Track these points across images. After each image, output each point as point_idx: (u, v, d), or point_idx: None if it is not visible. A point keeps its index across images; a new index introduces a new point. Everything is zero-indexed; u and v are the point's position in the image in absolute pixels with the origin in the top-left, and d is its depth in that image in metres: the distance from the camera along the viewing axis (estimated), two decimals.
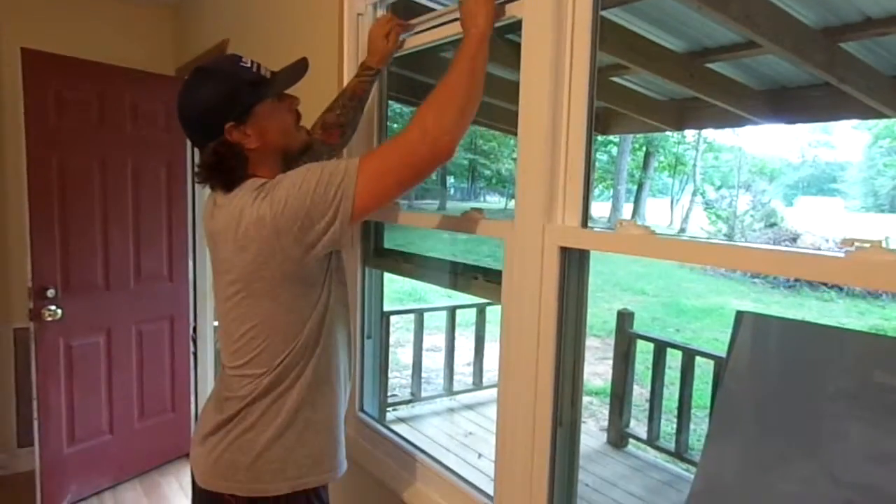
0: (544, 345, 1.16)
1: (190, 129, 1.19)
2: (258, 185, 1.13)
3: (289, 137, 1.22)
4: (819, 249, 0.81)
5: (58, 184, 2.67)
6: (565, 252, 1.13)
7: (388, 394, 4.51)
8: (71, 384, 2.76)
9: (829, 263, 0.78)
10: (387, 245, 1.83)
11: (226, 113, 1.14)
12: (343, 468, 1.29)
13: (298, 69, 1.24)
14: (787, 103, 2.97)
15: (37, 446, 2.65)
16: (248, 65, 1.18)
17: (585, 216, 1.13)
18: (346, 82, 1.74)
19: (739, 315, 3.50)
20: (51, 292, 2.64)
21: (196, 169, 1.21)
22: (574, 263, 1.15)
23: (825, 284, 9.52)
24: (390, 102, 1.86)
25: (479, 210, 1.35)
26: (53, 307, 2.64)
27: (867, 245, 0.73)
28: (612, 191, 16.22)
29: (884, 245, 0.73)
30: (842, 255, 0.76)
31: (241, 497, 1.18)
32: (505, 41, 1.45)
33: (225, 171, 1.18)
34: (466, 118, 1.11)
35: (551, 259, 1.14)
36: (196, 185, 3.24)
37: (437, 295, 8.62)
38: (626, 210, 16.52)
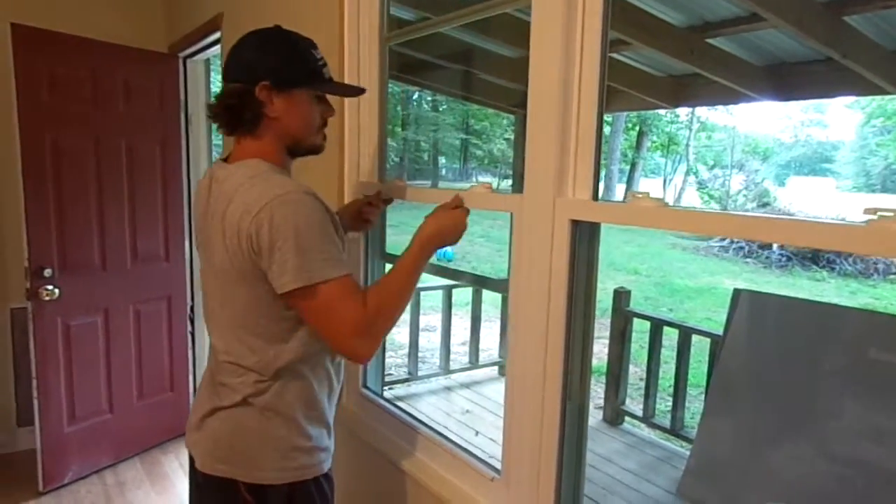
0: (554, 318, 1.16)
1: (233, 61, 1.19)
2: (257, 199, 1.08)
3: (305, 132, 1.22)
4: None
5: (52, 163, 2.63)
6: (576, 225, 1.13)
7: (384, 373, 4.52)
8: (70, 363, 2.75)
9: (850, 233, 0.77)
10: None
11: (269, 72, 1.15)
12: (331, 454, 1.30)
13: (352, 89, 1.34)
14: (787, 79, 2.96)
15: (37, 425, 2.65)
16: (318, 57, 1.21)
17: (596, 189, 1.12)
18: (347, 56, 1.72)
19: (737, 293, 3.52)
20: (48, 272, 2.61)
21: (210, 102, 1.22)
22: (584, 237, 1.15)
23: (816, 264, 9.61)
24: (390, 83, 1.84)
25: (487, 184, 1.34)
26: (51, 287, 2.62)
27: (890, 214, 0.73)
28: (604, 171, 16.24)
29: None
30: (863, 224, 0.75)
31: (245, 483, 1.17)
32: (504, 15, 1.43)
33: (234, 116, 1.18)
34: (391, 326, 1.18)
35: (562, 232, 1.13)
36: (191, 165, 3.21)
37: (429, 276, 8.57)
38: (619, 190, 16.53)
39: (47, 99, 2.60)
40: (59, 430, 2.73)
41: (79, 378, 2.79)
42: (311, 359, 1.20)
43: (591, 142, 1.10)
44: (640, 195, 1.02)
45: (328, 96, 1.26)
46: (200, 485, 1.24)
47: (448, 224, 1.24)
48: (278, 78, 1.15)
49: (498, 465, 1.35)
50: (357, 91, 1.34)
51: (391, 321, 1.17)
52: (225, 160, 1.23)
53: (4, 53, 2.48)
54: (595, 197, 1.12)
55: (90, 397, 2.85)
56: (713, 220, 0.96)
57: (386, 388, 4.27)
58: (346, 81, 1.68)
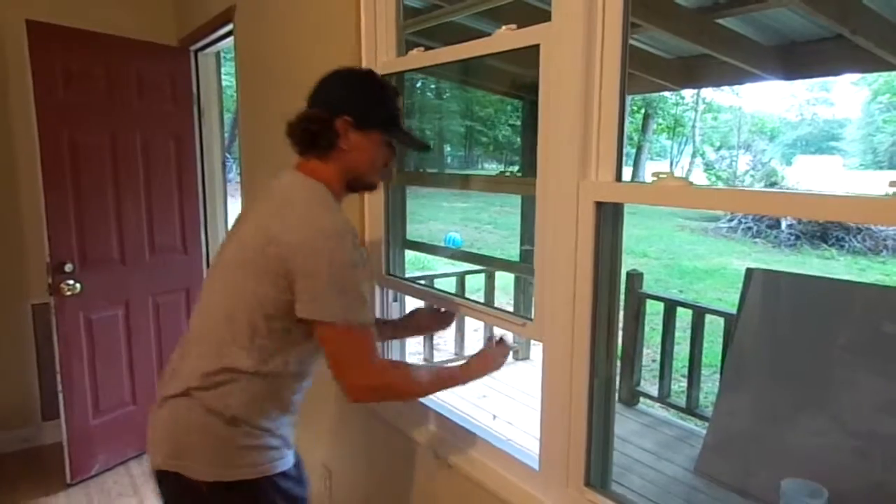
0: (581, 300, 1.18)
1: (322, 90, 1.29)
2: (305, 223, 1.17)
3: (369, 170, 1.31)
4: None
5: (70, 158, 2.66)
6: (600, 207, 1.15)
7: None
8: (93, 357, 2.80)
9: (874, 205, 0.79)
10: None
11: (353, 109, 1.25)
12: (290, 461, 1.31)
13: (420, 143, 1.42)
14: (796, 58, 2.96)
15: (63, 418, 2.70)
16: (398, 107, 1.32)
17: (619, 171, 1.14)
18: (364, 48, 1.73)
19: (749, 271, 3.53)
20: (68, 267, 2.65)
21: (291, 119, 1.28)
22: (608, 218, 1.17)
23: (825, 242, 9.58)
24: None
25: (508, 173, 1.37)
26: (72, 282, 2.66)
27: None
28: None
29: None
30: (888, 196, 0.77)
31: (190, 478, 1.21)
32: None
33: (310, 139, 1.27)
34: (388, 400, 1.36)
35: (586, 214, 1.15)
36: (204, 158, 3.23)
37: (440, 263, 8.64)
38: (626, 173, 16.45)
39: (63, 95, 2.63)
40: (84, 422, 2.79)
41: (102, 371, 2.84)
42: (278, 379, 1.24)
43: (613, 123, 1.12)
44: (665, 175, 1.04)
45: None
46: (160, 481, 1.28)
47: (491, 368, 1.39)
48: (360, 116, 1.25)
49: (520, 448, 1.38)
50: (423, 146, 1.45)
51: (391, 398, 1.36)
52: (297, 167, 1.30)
53: (20, 50, 2.50)
54: (618, 178, 1.14)
55: (114, 390, 2.90)
56: (735, 196, 0.98)
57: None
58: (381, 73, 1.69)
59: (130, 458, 3.00)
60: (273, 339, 1.20)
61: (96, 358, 2.81)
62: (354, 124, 1.24)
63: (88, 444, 2.81)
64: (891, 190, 0.78)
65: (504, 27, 1.31)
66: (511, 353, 1.42)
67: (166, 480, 1.25)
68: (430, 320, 1.66)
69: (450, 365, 1.42)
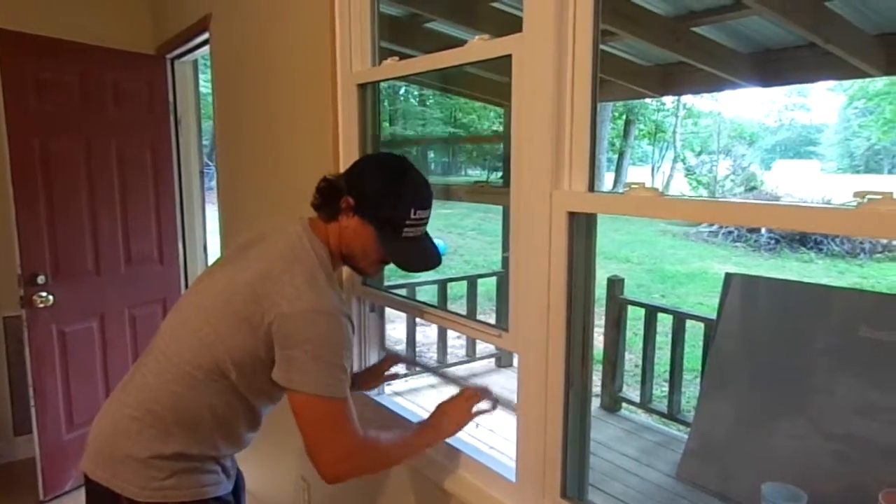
0: (555, 310, 1.17)
1: (356, 165, 1.33)
2: (298, 295, 1.14)
3: (360, 259, 1.29)
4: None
5: (41, 168, 2.61)
6: (573, 217, 1.15)
7: None
8: (66, 370, 2.74)
9: (841, 216, 0.80)
10: None
11: (360, 193, 1.24)
12: (226, 487, 1.30)
13: (413, 262, 1.31)
14: (771, 65, 3.00)
15: (35, 433, 2.64)
16: (412, 216, 1.24)
17: (592, 181, 1.14)
18: (339, 56, 1.72)
19: (728, 277, 3.56)
20: (41, 279, 2.60)
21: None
22: (581, 228, 1.16)
23: (804, 245, 9.72)
24: None
25: (485, 182, 1.36)
26: (45, 293, 2.61)
27: (878, 196, 0.75)
28: None
29: (895, 196, 0.75)
30: (853, 207, 0.77)
31: (123, 496, 1.18)
32: (490, 9, 1.45)
33: (321, 200, 1.29)
34: (364, 474, 1.27)
35: (559, 224, 1.15)
36: (181, 166, 3.20)
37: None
38: (608, 179, 16.59)
39: (35, 104, 2.58)
40: (57, 437, 2.73)
41: (76, 385, 2.78)
42: (231, 421, 1.24)
43: (585, 133, 1.12)
44: (636, 185, 1.04)
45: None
46: (89, 491, 1.25)
47: (463, 422, 1.33)
48: (363, 204, 1.24)
49: (499, 457, 1.37)
50: (424, 267, 1.34)
51: (368, 472, 1.28)
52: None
53: None
54: (591, 188, 1.14)
55: (88, 404, 2.84)
56: (707, 207, 0.99)
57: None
58: (357, 82, 1.66)
59: None
60: (239, 383, 1.19)
61: (70, 371, 2.76)
62: (355, 208, 1.24)
63: (62, 460, 2.75)
64: (854, 201, 0.78)
65: (477, 37, 1.30)
66: (494, 359, 1.38)
67: (92, 492, 1.23)
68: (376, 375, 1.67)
69: (417, 424, 1.35)
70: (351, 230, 1.25)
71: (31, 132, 2.57)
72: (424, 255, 1.31)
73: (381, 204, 1.24)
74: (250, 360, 1.16)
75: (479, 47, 1.30)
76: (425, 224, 1.30)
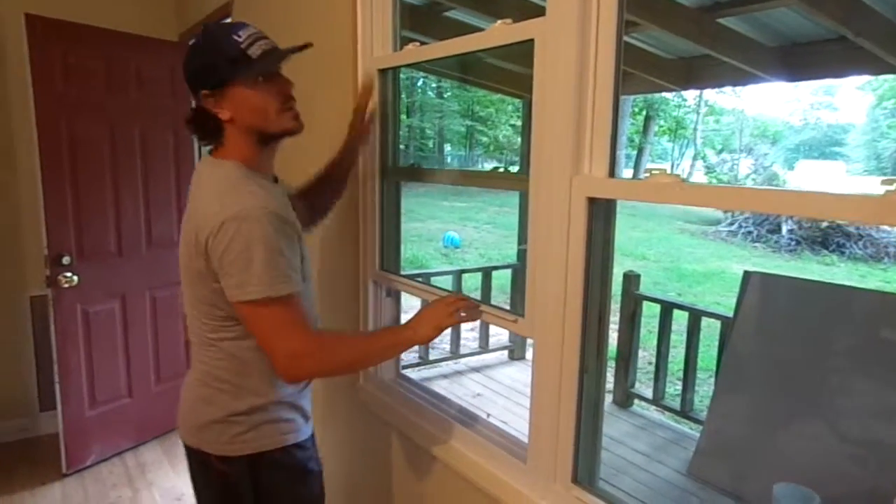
0: (572, 296, 1.18)
1: (185, 81, 1.22)
2: (217, 212, 1.11)
3: (265, 121, 1.19)
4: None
5: (68, 151, 2.67)
6: (593, 203, 1.15)
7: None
8: (89, 349, 2.80)
9: (868, 203, 0.79)
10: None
11: (201, 81, 1.17)
12: (305, 431, 1.34)
13: (282, 53, 1.19)
14: (798, 59, 2.95)
15: (59, 409, 2.71)
16: (241, 39, 1.14)
17: (613, 167, 1.14)
18: (360, 40, 1.73)
19: (747, 275, 3.53)
20: (66, 259, 2.66)
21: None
22: (601, 214, 1.16)
23: (826, 248, 9.56)
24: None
25: (503, 169, 1.36)
26: (69, 274, 2.66)
27: None
28: None
29: None
30: (881, 194, 0.77)
31: (214, 454, 1.27)
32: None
33: (200, 130, 1.23)
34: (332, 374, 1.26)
35: (579, 210, 1.15)
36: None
37: (437, 261, 8.67)
38: (626, 175, 16.46)
39: (62, 88, 2.63)
40: (80, 414, 2.79)
41: (98, 363, 2.84)
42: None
43: (607, 118, 1.12)
44: (657, 171, 1.04)
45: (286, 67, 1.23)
46: (187, 454, 1.35)
47: (443, 321, 1.26)
48: (208, 82, 1.16)
49: (511, 444, 1.38)
50: (294, 50, 1.20)
51: (335, 366, 1.26)
52: (210, 153, 1.26)
53: (20, 44, 2.51)
54: (612, 174, 1.14)
55: (110, 382, 2.91)
56: (729, 194, 0.98)
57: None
58: (378, 67, 1.66)
59: (125, 450, 3.00)
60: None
61: (93, 350, 2.82)
62: (212, 93, 1.16)
63: (84, 435, 2.82)
64: (883, 189, 0.77)
65: (499, 21, 1.30)
66: (507, 351, 1.33)
67: (189, 454, 1.34)
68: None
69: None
70: (234, 111, 1.17)
71: (59, 116, 2.62)
72: (290, 49, 1.20)
73: (212, 61, 1.15)
74: (222, 295, 1.16)
75: (501, 31, 1.30)
76: (264, 38, 1.18)
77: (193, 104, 1.23)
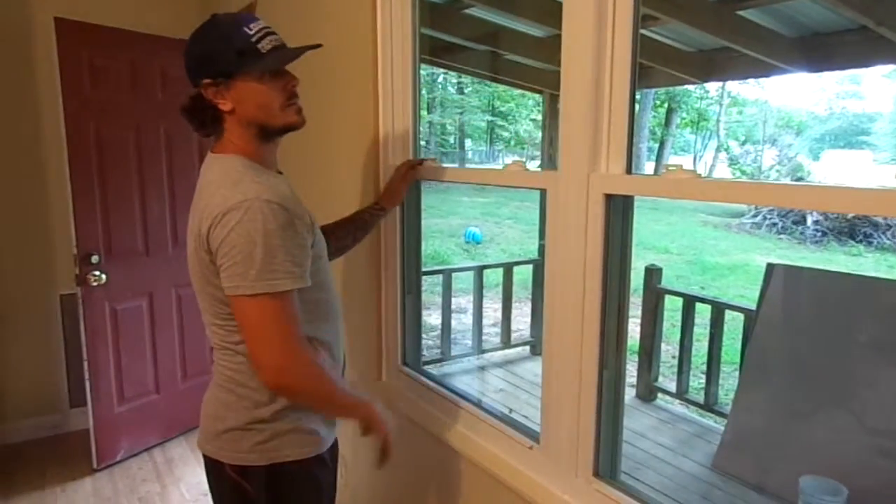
0: (590, 291, 1.19)
1: (185, 67, 1.19)
2: (219, 204, 1.09)
3: (269, 116, 1.17)
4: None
5: (96, 151, 2.73)
6: (610, 199, 1.15)
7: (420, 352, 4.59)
8: (118, 346, 2.87)
9: (891, 197, 0.79)
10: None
11: (205, 70, 1.14)
12: (327, 442, 1.29)
13: (295, 52, 1.18)
14: (820, 50, 2.90)
15: (90, 406, 2.78)
16: (251, 31, 1.13)
17: (629, 163, 1.15)
18: (380, 45, 1.76)
19: (770, 267, 3.49)
20: (95, 258, 2.72)
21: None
22: (618, 210, 1.17)
23: (853, 238, 9.38)
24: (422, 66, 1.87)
25: (520, 162, 1.38)
26: (98, 272, 2.73)
27: None
28: (633, 148, 15.97)
29: None
30: None
31: (229, 463, 1.21)
32: None
33: (197, 120, 1.21)
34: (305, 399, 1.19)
35: (596, 207, 1.16)
36: None
37: (458, 257, 8.70)
38: (648, 168, 16.29)
39: (90, 90, 2.69)
40: (110, 409, 2.86)
41: (127, 360, 2.91)
42: None
43: (624, 115, 1.12)
44: (674, 167, 1.04)
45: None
46: (205, 463, 1.29)
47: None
48: (212, 72, 1.13)
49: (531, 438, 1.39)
50: (303, 50, 1.19)
51: (309, 391, 1.17)
52: (212, 150, 1.24)
53: (48, 47, 2.58)
54: (629, 170, 1.14)
55: (138, 379, 2.97)
56: (747, 189, 0.98)
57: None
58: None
59: (154, 446, 3.07)
60: None
61: (121, 348, 2.88)
62: (215, 83, 1.13)
63: (114, 431, 2.89)
64: None
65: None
66: (529, 347, 1.37)
67: (206, 463, 1.28)
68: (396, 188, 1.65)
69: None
70: (237, 103, 1.15)
71: (87, 117, 2.68)
72: (294, 48, 1.18)
73: (220, 52, 1.12)
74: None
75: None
76: (274, 33, 1.16)
77: (183, 100, 1.21)
